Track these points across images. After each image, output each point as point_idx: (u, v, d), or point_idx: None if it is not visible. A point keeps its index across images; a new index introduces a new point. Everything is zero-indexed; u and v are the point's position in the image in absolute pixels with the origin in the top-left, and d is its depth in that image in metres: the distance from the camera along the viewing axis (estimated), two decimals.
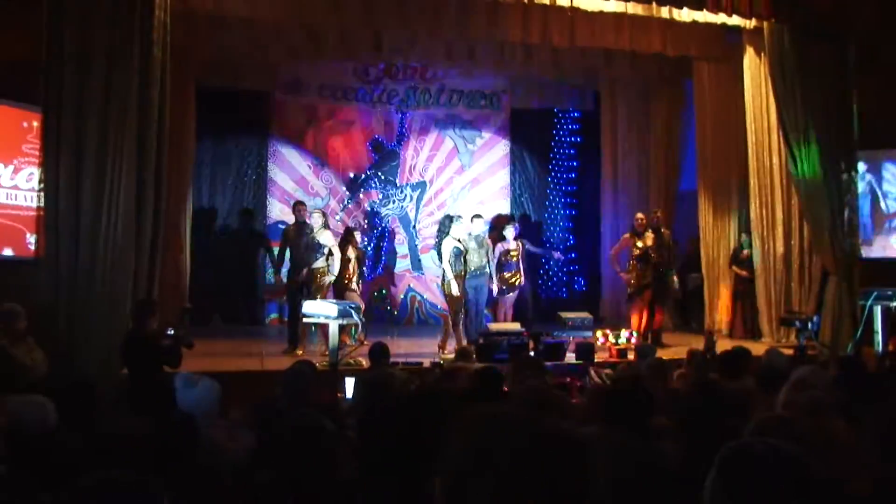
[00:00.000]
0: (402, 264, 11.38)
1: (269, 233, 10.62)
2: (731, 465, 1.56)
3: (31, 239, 6.75)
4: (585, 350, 7.44)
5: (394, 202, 11.47)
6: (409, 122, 11.51)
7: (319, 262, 8.14)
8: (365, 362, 6.54)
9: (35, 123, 6.64)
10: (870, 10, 8.59)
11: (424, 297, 11.36)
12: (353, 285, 8.58)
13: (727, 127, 9.72)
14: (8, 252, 6.88)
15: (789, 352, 6.64)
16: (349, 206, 11.25)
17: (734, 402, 3.08)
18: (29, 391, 3.63)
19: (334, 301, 7.24)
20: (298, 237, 8.24)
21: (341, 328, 6.78)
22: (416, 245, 11.43)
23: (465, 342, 7.85)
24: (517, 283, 8.86)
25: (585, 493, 1.37)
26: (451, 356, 7.09)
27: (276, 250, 8.94)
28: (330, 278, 8.22)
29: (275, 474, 2.47)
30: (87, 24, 6.34)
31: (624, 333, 8.11)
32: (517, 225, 9.42)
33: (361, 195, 11.33)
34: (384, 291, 11.20)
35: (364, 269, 9.18)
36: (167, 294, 8.00)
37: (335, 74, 11.14)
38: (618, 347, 7.86)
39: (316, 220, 8.21)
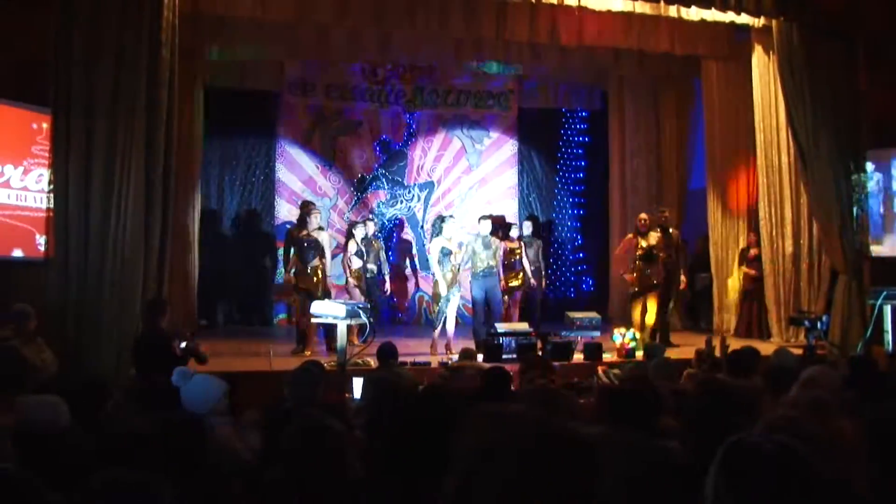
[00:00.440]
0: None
1: (278, 233, 10.65)
2: (730, 459, 1.58)
3: (40, 240, 6.78)
4: (593, 350, 7.43)
5: (401, 202, 11.48)
6: (417, 123, 11.52)
7: (317, 262, 8.14)
8: (373, 362, 6.54)
9: (44, 125, 6.66)
10: (879, 8, 8.54)
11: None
12: (353, 281, 8.58)
13: (736, 126, 9.70)
14: (18, 253, 6.91)
15: (798, 351, 6.60)
16: (357, 206, 11.26)
17: (742, 402, 3.06)
18: (39, 392, 3.65)
19: (342, 301, 7.25)
20: (300, 236, 8.27)
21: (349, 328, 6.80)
22: (423, 245, 11.45)
23: (441, 344, 7.96)
24: (518, 283, 8.85)
25: (592, 493, 1.37)
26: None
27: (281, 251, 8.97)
28: (330, 277, 8.22)
29: (282, 474, 2.47)
30: (96, 26, 6.37)
31: (629, 333, 8.07)
32: (523, 225, 9.42)
33: (369, 195, 11.35)
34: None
35: (383, 254, 9.13)
36: (175, 294, 8.05)
37: (343, 74, 11.16)
38: (625, 347, 7.82)
39: (313, 220, 8.24)
